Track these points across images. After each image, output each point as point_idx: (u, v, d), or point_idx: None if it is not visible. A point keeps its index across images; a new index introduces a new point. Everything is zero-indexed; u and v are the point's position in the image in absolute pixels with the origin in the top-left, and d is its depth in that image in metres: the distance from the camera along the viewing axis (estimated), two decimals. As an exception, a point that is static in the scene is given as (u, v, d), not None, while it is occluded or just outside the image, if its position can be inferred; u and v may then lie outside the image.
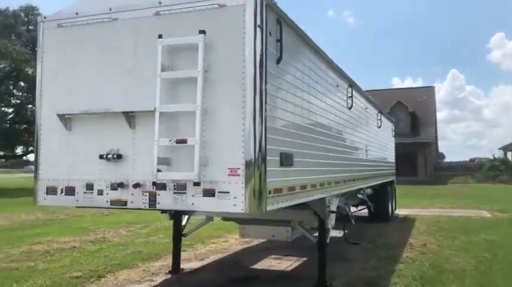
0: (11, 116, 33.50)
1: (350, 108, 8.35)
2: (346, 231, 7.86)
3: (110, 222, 13.39)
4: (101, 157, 4.86)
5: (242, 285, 6.89)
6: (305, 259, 8.37)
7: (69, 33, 5.19)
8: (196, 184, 4.34)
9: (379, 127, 12.27)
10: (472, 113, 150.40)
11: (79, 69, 5.11)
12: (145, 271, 7.49)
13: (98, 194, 4.91)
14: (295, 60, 5.38)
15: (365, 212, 13.33)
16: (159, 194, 4.60)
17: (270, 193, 4.46)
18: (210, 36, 4.46)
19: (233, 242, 10.22)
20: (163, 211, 5.75)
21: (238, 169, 4.29)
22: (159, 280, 7.06)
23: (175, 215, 7.35)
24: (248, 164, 4.27)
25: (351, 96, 8.33)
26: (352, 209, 12.11)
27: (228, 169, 4.32)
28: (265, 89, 4.39)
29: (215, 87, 4.44)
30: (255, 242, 10.07)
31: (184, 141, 4.41)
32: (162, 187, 4.56)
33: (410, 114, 41.64)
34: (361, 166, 9.57)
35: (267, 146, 4.40)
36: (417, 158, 40.90)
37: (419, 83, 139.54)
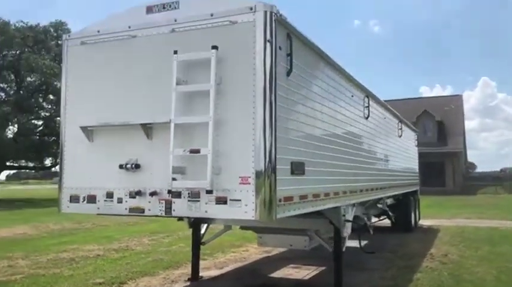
0: (40, 128, 34.54)
1: (367, 118, 8.43)
2: (365, 241, 7.89)
3: (133, 231, 13.71)
4: (121, 166, 5.11)
5: (259, 293, 7.02)
6: (323, 268, 8.42)
7: (92, 50, 5.49)
8: (209, 192, 4.53)
9: (400, 136, 12.26)
10: (505, 122, 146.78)
11: (100, 83, 5.40)
12: (165, 279, 7.70)
13: (118, 202, 5.15)
14: (306, 72, 5.54)
15: (388, 222, 13.28)
16: (174, 202, 4.80)
17: (280, 200, 4.61)
18: (222, 51, 4.67)
19: (253, 251, 10.35)
20: (179, 219, 5.95)
21: (249, 177, 4.46)
22: (178, 287, 7.25)
23: (194, 224, 7.55)
24: (258, 173, 4.43)
25: (368, 106, 8.41)
26: (374, 219, 12.12)
27: (239, 177, 4.49)
28: (275, 101, 4.55)
29: (227, 99, 4.64)
30: (275, 251, 10.18)
31: (197, 151, 4.62)
32: (177, 194, 4.76)
33: (438, 124, 41.14)
34: (380, 176, 9.58)
35: (277, 156, 4.55)
36: (445, 168, 40.24)
37: (448, 92, 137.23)
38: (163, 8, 5.15)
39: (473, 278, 7.75)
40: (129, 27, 5.23)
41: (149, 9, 5.22)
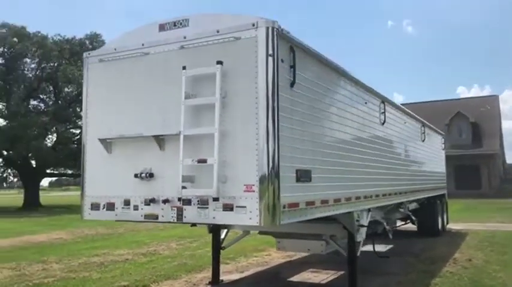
0: (77, 137, 35.80)
1: (383, 124, 8.49)
2: (390, 245, 7.93)
3: (163, 236, 14.15)
4: (136, 175, 5.43)
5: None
6: (342, 272, 8.50)
7: (109, 67, 5.86)
8: (216, 199, 4.80)
9: (423, 141, 12.19)
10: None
11: (117, 98, 5.76)
12: (187, 282, 7.99)
13: (134, 209, 5.48)
14: (311, 82, 5.71)
15: (414, 226, 13.18)
16: (185, 209, 5.09)
17: (284, 207, 4.81)
18: (227, 66, 4.93)
19: (275, 256, 10.52)
20: (192, 224, 6.22)
21: (253, 185, 4.68)
22: (198, 290, 7.53)
23: (214, 229, 7.81)
24: (262, 181, 4.65)
25: (384, 112, 8.48)
26: (399, 223, 12.09)
27: (244, 185, 4.73)
28: (278, 111, 4.77)
29: (232, 111, 4.89)
30: (297, 256, 10.32)
31: (204, 161, 4.89)
32: (188, 202, 5.04)
33: (472, 125, 40.14)
34: (399, 181, 9.57)
35: (281, 164, 4.76)
36: (480, 170, 39.13)
37: (487, 92, 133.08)
38: (174, 25, 5.47)
39: (494, 283, 7.70)
40: (143, 44, 5.57)
41: (161, 27, 5.55)
